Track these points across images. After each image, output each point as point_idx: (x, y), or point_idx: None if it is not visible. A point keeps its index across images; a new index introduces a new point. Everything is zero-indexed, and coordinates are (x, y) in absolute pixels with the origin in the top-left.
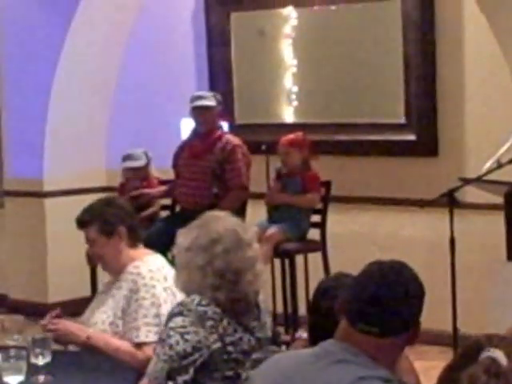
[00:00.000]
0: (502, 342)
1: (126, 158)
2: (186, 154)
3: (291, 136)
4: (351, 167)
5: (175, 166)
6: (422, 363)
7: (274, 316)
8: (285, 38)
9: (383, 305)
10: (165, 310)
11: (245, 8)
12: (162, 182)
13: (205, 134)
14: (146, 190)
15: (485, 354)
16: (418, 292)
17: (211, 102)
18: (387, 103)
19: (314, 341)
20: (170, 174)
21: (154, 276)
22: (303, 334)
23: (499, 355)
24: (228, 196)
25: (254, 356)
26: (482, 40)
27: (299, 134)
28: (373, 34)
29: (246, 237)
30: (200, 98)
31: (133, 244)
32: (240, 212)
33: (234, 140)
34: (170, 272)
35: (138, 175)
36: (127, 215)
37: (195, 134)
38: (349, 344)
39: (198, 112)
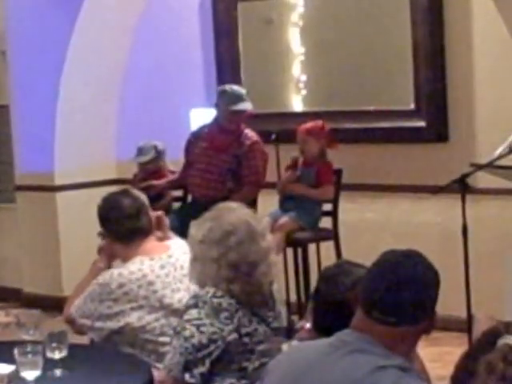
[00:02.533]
0: None
1: (137, 151)
2: (205, 144)
3: (310, 124)
4: (361, 155)
5: (188, 154)
6: (436, 349)
7: (288, 305)
8: (292, 27)
9: (398, 294)
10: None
11: None
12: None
13: (228, 128)
14: (154, 182)
15: (502, 341)
16: (433, 281)
17: (250, 105)
18: (396, 90)
19: (317, 328)
20: (179, 166)
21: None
22: (306, 323)
23: None
24: (241, 191)
25: (261, 347)
26: (490, 25)
27: (318, 122)
28: (381, 21)
29: (259, 228)
30: (242, 99)
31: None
32: (251, 203)
33: (253, 136)
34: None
35: (147, 169)
36: (103, 212)
37: (216, 125)
38: (365, 333)
39: (238, 115)
